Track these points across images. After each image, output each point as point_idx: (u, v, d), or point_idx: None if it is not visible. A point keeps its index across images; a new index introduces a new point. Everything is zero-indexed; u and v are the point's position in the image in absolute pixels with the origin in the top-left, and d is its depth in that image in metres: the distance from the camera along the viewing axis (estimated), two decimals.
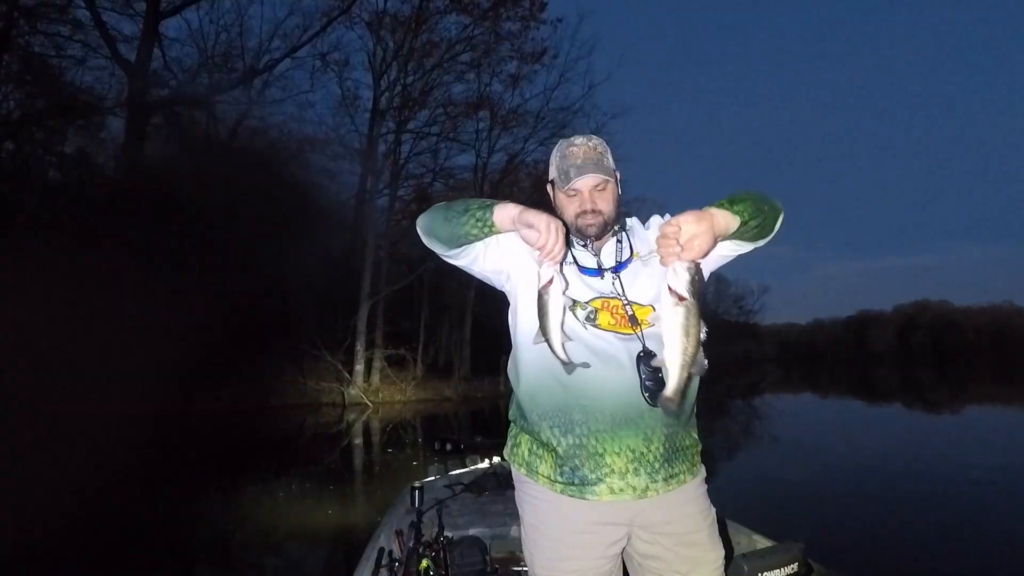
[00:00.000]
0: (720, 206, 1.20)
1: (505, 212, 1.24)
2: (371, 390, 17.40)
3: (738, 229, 1.21)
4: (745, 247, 1.32)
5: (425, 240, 1.37)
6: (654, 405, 1.22)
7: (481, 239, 1.31)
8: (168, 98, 14.94)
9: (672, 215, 1.22)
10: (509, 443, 1.44)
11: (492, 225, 1.26)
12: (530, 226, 1.18)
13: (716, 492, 1.40)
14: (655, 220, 1.39)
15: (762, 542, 2.25)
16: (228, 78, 15.98)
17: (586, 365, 1.26)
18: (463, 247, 1.32)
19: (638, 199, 23.96)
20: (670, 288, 1.13)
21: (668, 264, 1.15)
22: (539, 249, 1.18)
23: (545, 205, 1.32)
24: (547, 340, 1.22)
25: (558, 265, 1.21)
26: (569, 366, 1.25)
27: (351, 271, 17.34)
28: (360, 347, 17.32)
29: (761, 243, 1.32)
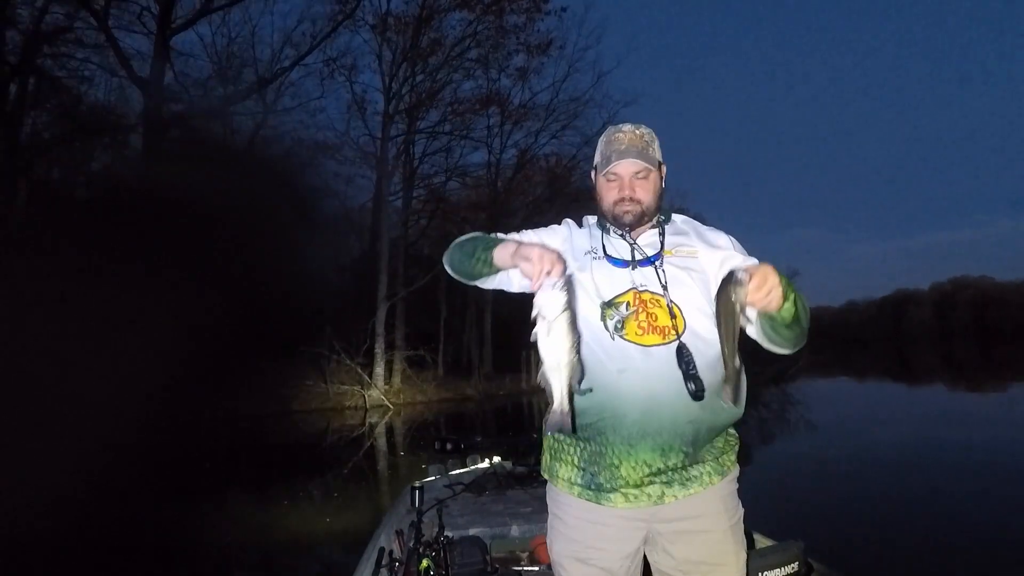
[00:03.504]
0: (794, 292, 1.22)
1: (504, 252, 1.32)
2: (392, 391, 17.53)
3: (775, 317, 1.23)
4: (760, 337, 1.32)
5: (452, 275, 1.49)
6: (699, 398, 1.24)
7: (496, 273, 1.40)
8: (183, 112, 15.29)
9: (717, 218, 1.26)
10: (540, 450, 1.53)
11: (495, 267, 1.36)
12: (526, 259, 1.24)
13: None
14: (724, 236, 1.40)
15: (762, 542, 2.20)
16: (240, 89, 16.27)
17: (577, 426, 1.29)
18: (484, 279, 1.43)
19: (680, 192, 23.48)
20: (746, 303, 1.17)
21: (755, 306, 1.18)
22: (536, 276, 1.21)
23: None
24: (548, 388, 1.20)
25: (560, 290, 1.20)
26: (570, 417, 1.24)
27: (369, 273, 17.52)
28: (379, 349, 17.47)
29: (768, 346, 1.32)
